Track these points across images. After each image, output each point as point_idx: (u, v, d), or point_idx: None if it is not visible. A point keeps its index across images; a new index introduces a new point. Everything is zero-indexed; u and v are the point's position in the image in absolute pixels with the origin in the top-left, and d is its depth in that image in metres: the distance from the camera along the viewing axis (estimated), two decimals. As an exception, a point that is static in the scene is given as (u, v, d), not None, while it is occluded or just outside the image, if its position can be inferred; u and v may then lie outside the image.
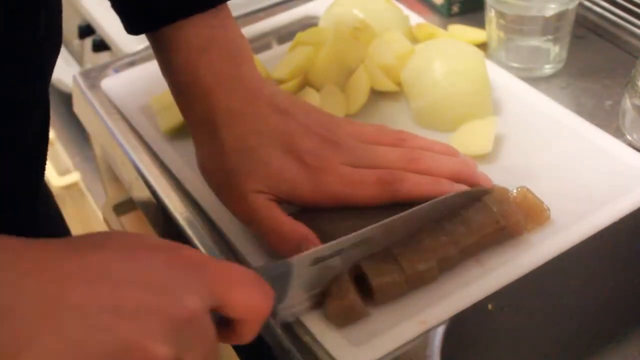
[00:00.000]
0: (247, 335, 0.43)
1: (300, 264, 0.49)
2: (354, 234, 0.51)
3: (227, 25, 0.56)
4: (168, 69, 0.56)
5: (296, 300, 0.50)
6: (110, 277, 0.37)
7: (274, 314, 0.49)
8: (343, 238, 0.51)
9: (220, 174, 0.55)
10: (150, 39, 0.57)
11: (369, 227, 0.52)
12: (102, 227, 0.93)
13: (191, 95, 0.55)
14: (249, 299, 0.41)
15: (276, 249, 0.54)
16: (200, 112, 0.55)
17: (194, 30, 0.55)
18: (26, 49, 0.49)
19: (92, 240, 0.39)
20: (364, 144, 0.56)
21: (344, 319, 0.51)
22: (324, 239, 0.52)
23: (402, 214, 0.53)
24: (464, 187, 0.56)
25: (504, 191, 0.56)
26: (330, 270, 0.51)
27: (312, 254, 0.50)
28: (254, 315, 0.42)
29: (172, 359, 0.37)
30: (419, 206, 0.54)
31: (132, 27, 0.57)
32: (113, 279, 0.37)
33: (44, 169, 0.59)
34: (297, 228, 0.53)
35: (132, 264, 0.38)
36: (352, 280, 0.52)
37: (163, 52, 0.56)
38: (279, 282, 0.48)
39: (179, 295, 0.38)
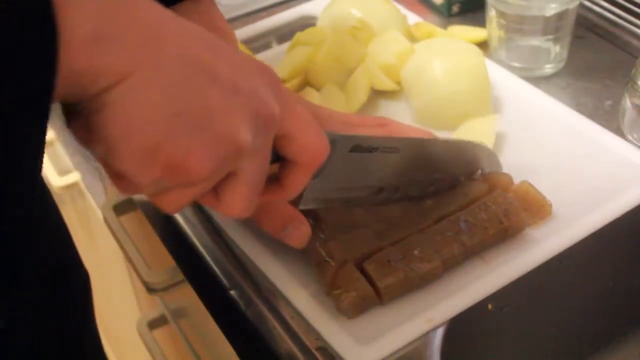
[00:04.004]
0: (292, 185, 0.44)
1: (343, 143, 0.49)
2: (387, 137, 0.53)
3: (212, 11, 0.57)
4: None
5: (324, 183, 0.49)
6: (213, 47, 0.37)
7: (302, 192, 0.48)
8: (379, 137, 0.52)
9: None
10: None
11: (400, 137, 0.54)
12: (102, 227, 0.93)
13: None
14: (312, 140, 0.42)
15: (263, 227, 0.54)
16: None
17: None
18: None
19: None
20: (347, 125, 0.57)
21: (359, 310, 0.51)
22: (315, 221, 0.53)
23: (429, 138, 0.56)
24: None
25: (507, 185, 0.57)
26: (361, 170, 0.51)
27: (354, 138, 0.50)
28: (311, 159, 0.43)
29: (247, 148, 0.37)
30: (446, 139, 0.56)
31: None
32: (215, 50, 0.37)
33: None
34: (285, 209, 0.53)
35: (228, 49, 0.39)
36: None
37: None
38: None
39: (267, 95, 0.39)
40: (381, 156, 0.52)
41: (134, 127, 0.35)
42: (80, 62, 0.33)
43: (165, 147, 0.35)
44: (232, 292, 0.55)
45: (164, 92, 0.35)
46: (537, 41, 0.73)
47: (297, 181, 0.43)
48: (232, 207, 0.41)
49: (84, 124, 0.35)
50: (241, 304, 0.55)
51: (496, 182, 0.58)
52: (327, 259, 0.52)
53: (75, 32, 0.32)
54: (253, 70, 0.40)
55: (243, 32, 0.80)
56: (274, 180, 0.43)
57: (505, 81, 0.70)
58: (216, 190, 0.40)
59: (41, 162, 0.34)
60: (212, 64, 0.37)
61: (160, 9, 0.37)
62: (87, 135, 0.35)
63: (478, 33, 0.77)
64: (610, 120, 0.67)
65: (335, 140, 0.48)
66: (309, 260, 0.54)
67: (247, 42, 0.79)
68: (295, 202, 0.49)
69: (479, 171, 0.59)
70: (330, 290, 0.52)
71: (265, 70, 0.41)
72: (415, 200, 0.56)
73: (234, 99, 0.37)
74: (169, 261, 0.62)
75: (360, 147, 0.50)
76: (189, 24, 0.38)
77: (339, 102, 0.68)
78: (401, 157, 0.53)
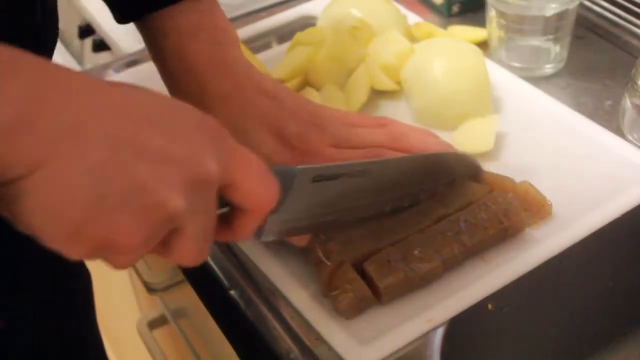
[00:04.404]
0: (243, 229, 0.43)
1: (304, 175, 0.48)
2: (352, 162, 0.52)
3: (214, 10, 0.57)
4: (158, 56, 0.57)
5: (286, 216, 0.49)
6: (140, 117, 0.36)
7: (260, 226, 0.48)
8: (343, 163, 0.52)
9: None
10: (139, 27, 0.58)
11: (366, 160, 0.53)
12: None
13: (182, 80, 0.56)
14: (258, 187, 0.41)
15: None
16: (191, 96, 0.56)
17: (182, 16, 0.56)
18: (25, 35, 0.49)
19: (129, 85, 0.39)
20: (347, 126, 0.57)
21: (356, 311, 0.51)
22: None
23: (397, 157, 0.54)
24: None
25: (507, 185, 0.57)
26: (325, 198, 0.51)
27: (315, 169, 0.49)
28: (258, 205, 0.42)
29: (180, 215, 0.37)
30: (419, 153, 0.55)
31: (121, 16, 0.58)
32: (143, 120, 0.36)
33: None
34: None
35: (163, 112, 0.38)
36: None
37: (153, 40, 0.57)
38: (280, 187, 0.46)
39: (202, 155, 0.38)
40: (348, 181, 0.51)
41: (54, 213, 0.34)
42: None
43: (90, 227, 0.35)
44: (232, 292, 0.55)
45: (85, 176, 0.34)
46: (537, 41, 0.73)
47: (246, 225, 0.43)
48: (183, 259, 0.40)
49: (7, 208, 0.35)
50: (241, 304, 0.55)
51: (497, 184, 0.57)
52: (324, 259, 0.52)
53: None
54: (190, 129, 0.39)
55: (243, 32, 0.80)
56: (225, 221, 0.43)
57: (505, 81, 0.70)
58: (165, 243, 0.39)
59: None
60: (139, 139, 0.36)
61: (89, 84, 0.36)
62: (14, 219, 0.35)
63: (478, 33, 0.77)
64: (610, 120, 0.67)
65: (293, 174, 0.47)
66: (308, 260, 0.54)
67: (247, 42, 0.79)
68: (257, 235, 0.48)
69: (455, 179, 0.57)
70: (327, 291, 0.52)
71: (205, 125, 0.40)
72: (389, 215, 0.55)
73: (163, 169, 0.36)
74: (169, 261, 0.62)
75: (324, 176, 0.50)
76: (124, 91, 0.37)
77: (339, 102, 0.68)
78: (370, 179, 0.52)
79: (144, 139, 0.36)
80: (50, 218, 0.34)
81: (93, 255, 0.36)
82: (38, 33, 0.51)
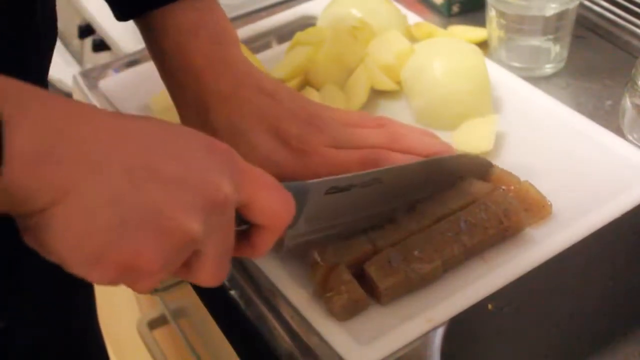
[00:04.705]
0: (262, 245, 0.44)
1: (316, 189, 0.50)
2: (364, 172, 0.53)
3: (214, 8, 0.58)
4: (158, 54, 0.57)
5: (303, 228, 0.50)
6: (156, 146, 0.38)
7: (279, 241, 0.49)
8: (355, 174, 0.52)
9: None
10: (139, 25, 0.58)
11: (377, 169, 0.53)
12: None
13: (181, 79, 0.56)
14: (274, 204, 0.43)
15: None
16: (190, 95, 0.56)
17: (182, 14, 0.56)
18: (25, 35, 0.49)
19: (141, 116, 0.40)
20: (346, 127, 0.58)
21: (350, 313, 0.51)
22: None
23: (409, 163, 0.55)
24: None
25: (512, 181, 0.57)
26: (340, 208, 0.52)
27: (328, 182, 0.50)
28: (275, 221, 0.43)
29: (198, 238, 0.38)
30: (426, 159, 0.55)
31: (121, 13, 0.58)
32: (158, 149, 0.38)
33: None
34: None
35: (175, 140, 0.39)
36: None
37: (152, 38, 0.57)
38: (295, 203, 0.48)
39: (216, 179, 0.39)
40: (361, 191, 0.52)
41: (78, 241, 0.35)
42: (18, 180, 0.33)
43: (112, 253, 0.36)
44: (232, 292, 0.55)
45: (107, 204, 0.35)
46: (537, 41, 0.73)
47: (266, 241, 0.44)
48: (204, 280, 0.41)
49: (33, 237, 0.36)
50: (241, 304, 0.55)
51: (503, 179, 0.58)
52: (319, 260, 0.53)
53: (16, 151, 0.33)
54: (203, 154, 0.40)
55: (243, 32, 0.80)
56: (244, 238, 0.44)
57: (505, 81, 0.70)
58: (186, 265, 0.40)
59: None
60: (156, 167, 0.37)
61: (108, 117, 0.37)
62: (39, 247, 0.36)
63: (478, 33, 0.77)
64: (610, 120, 0.67)
65: (307, 189, 0.48)
66: (307, 260, 0.54)
67: (247, 42, 0.79)
68: (277, 249, 0.49)
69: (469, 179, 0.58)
70: (322, 292, 0.52)
71: (217, 150, 0.41)
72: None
73: (179, 194, 0.37)
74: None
75: (337, 188, 0.51)
76: (138, 122, 0.39)
77: (339, 102, 0.68)
78: (382, 187, 0.53)
79: (160, 166, 0.37)
80: (75, 246, 0.35)
81: (117, 280, 0.37)
82: (38, 33, 0.51)
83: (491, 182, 0.58)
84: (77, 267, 0.36)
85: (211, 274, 0.41)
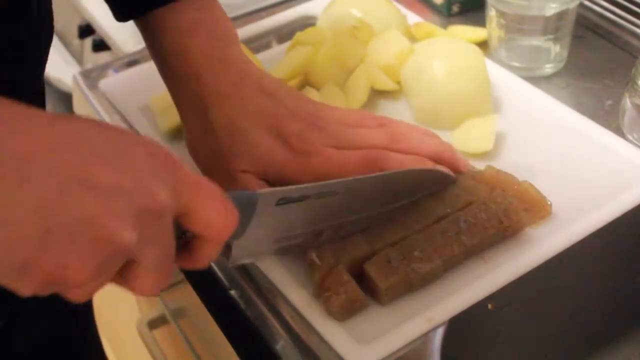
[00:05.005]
0: (203, 257, 0.42)
1: (266, 200, 0.48)
2: (317, 183, 0.51)
3: (213, 6, 0.57)
4: (158, 54, 0.57)
5: (252, 239, 0.49)
6: (87, 150, 0.36)
7: (228, 248, 0.48)
8: (308, 184, 0.51)
9: (210, 155, 0.56)
10: (138, 25, 0.58)
11: (335, 181, 0.52)
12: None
13: (181, 78, 0.56)
14: (213, 214, 0.40)
15: None
16: (190, 93, 0.56)
17: (181, 13, 0.56)
18: (21, 31, 0.49)
19: (77, 117, 0.38)
20: (347, 126, 0.57)
21: (348, 313, 0.51)
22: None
23: (368, 175, 0.53)
24: (445, 169, 0.57)
25: (509, 183, 0.57)
26: (292, 220, 0.50)
27: (278, 192, 0.49)
28: (215, 233, 0.41)
29: (132, 247, 0.36)
30: (388, 171, 0.54)
31: (120, 14, 0.58)
32: (90, 153, 0.36)
33: None
34: None
35: (111, 145, 0.37)
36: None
37: (152, 37, 0.57)
38: (242, 213, 0.46)
39: (152, 186, 0.37)
40: (315, 202, 0.51)
41: (2, 250, 0.34)
42: None
43: (38, 264, 0.34)
44: (232, 292, 0.55)
45: (31, 212, 0.34)
46: (537, 41, 0.73)
47: (207, 253, 0.42)
48: (141, 290, 0.40)
49: None
50: (241, 304, 0.55)
51: (499, 181, 0.57)
52: (317, 260, 0.52)
53: None
54: (141, 160, 0.38)
55: (243, 32, 0.80)
56: (186, 248, 0.42)
57: (505, 81, 0.70)
58: (122, 274, 0.39)
59: None
60: (87, 173, 0.35)
61: (34, 121, 0.36)
62: None
63: (478, 33, 0.77)
64: (610, 120, 0.67)
65: (255, 199, 0.47)
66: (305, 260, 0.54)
67: (247, 42, 0.79)
68: (227, 260, 0.48)
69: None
70: (320, 292, 0.52)
71: (157, 156, 0.39)
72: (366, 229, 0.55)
73: (111, 202, 0.36)
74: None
75: (289, 199, 0.49)
76: (76, 127, 0.37)
77: (339, 102, 0.68)
78: (338, 199, 0.52)
79: (92, 172, 0.35)
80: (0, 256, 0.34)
81: (44, 290, 0.36)
82: (36, 26, 0.51)
83: (488, 185, 0.58)
84: (2, 277, 0.35)
85: (148, 283, 0.39)
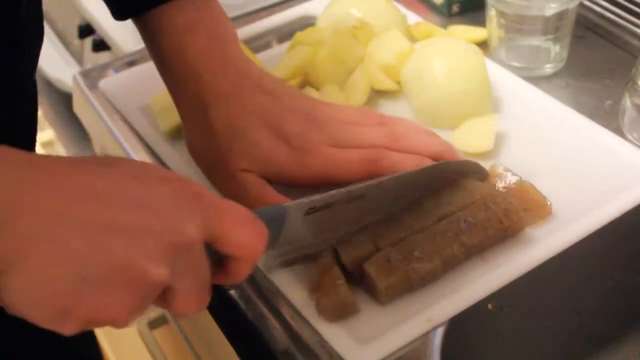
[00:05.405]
0: (239, 274, 0.44)
1: (295, 211, 0.50)
2: (346, 188, 0.52)
3: (212, 5, 0.57)
4: (157, 53, 0.57)
5: (286, 249, 0.51)
6: (111, 197, 0.37)
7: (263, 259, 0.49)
8: (335, 191, 0.52)
9: (210, 154, 0.56)
10: (137, 24, 0.58)
11: (361, 185, 0.53)
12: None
13: (180, 78, 0.56)
14: (244, 237, 0.42)
15: None
16: (190, 93, 0.56)
17: (180, 12, 0.56)
18: (10, 25, 0.49)
19: (100, 160, 0.39)
20: (347, 125, 0.57)
21: (337, 315, 0.51)
22: None
23: (392, 175, 0.54)
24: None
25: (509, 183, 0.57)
26: (323, 225, 0.51)
27: (307, 203, 0.50)
28: (247, 253, 0.43)
29: (165, 281, 0.38)
30: (411, 170, 0.55)
31: (119, 13, 0.58)
32: (113, 199, 0.37)
33: None
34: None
35: (135, 187, 0.39)
36: (345, 276, 0.52)
37: (151, 36, 0.57)
38: (272, 227, 0.47)
39: (178, 221, 0.39)
40: (342, 207, 0.52)
41: (39, 302, 0.35)
42: None
43: (76, 309, 0.36)
44: (232, 292, 0.55)
45: (65, 264, 0.35)
46: (537, 41, 0.73)
47: (241, 270, 0.44)
48: (184, 311, 0.41)
49: None
50: (241, 304, 0.55)
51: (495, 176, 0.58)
52: (315, 260, 0.52)
53: None
54: (164, 197, 0.39)
55: (243, 32, 0.80)
56: (221, 265, 0.44)
57: (505, 81, 0.70)
58: (162, 299, 0.40)
59: None
60: (112, 218, 0.37)
61: (66, 172, 0.37)
62: (5, 306, 0.36)
63: (478, 33, 0.77)
64: (610, 120, 0.67)
65: (284, 212, 0.48)
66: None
67: (247, 42, 0.79)
68: (266, 270, 0.50)
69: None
70: (314, 292, 0.52)
71: (179, 190, 0.40)
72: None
73: (139, 242, 0.37)
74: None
75: (316, 208, 0.51)
76: (99, 172, 0.38)
77: (339, 102, 0.68)
78: (367, 202, 0.53)
79: (117, 217, 0.37)
80: (36, 306, 0.36)
81: (87, 328, 0.37)
82: (24, 30, 0.51)
83: (489, 184, 0.58)
84: (44, 324, 0.36)
85: (188, 305, 0.41)
